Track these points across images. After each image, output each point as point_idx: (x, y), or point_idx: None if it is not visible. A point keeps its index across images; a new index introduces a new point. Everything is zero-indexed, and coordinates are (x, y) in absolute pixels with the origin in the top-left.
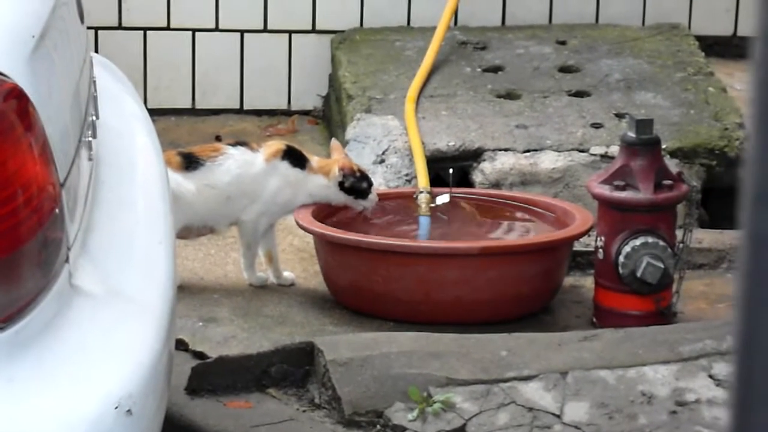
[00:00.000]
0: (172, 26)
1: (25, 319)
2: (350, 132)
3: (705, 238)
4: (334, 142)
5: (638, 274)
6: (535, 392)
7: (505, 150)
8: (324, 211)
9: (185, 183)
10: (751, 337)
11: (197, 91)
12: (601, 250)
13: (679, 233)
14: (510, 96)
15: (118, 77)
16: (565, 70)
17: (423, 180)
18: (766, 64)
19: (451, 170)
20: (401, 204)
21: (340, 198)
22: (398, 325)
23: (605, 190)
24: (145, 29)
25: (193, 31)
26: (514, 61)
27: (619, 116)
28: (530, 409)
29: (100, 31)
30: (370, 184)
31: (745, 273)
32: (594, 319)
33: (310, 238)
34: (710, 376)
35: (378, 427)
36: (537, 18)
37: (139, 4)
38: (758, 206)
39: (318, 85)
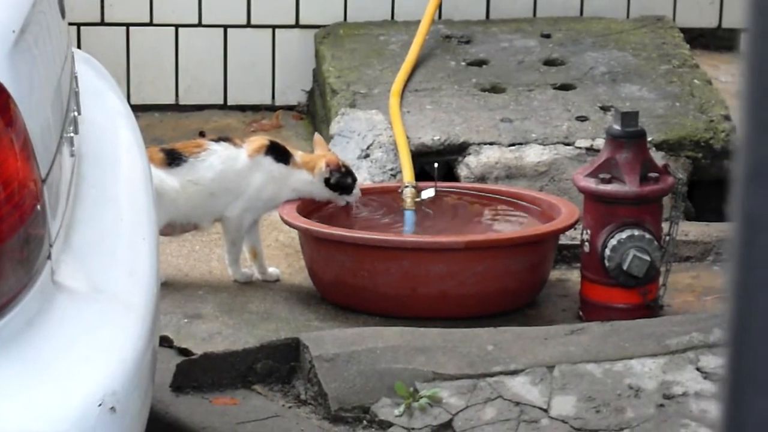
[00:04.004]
0: (155, 22)
1: (7, 316)
2: (335, 127)
3: (691, 230)
4: (317, 136)
5: (624, 267)
6: (521, 386)
7: (491, 144)
8: (309, 207)
9: (168, 179)
10: (743, 321)
11: (181, 87)
12: (587, 244)
13: (665, 226)
14: (495, 90)
15: (100, 73)
16: (549, 63)
17: (408, 174)
18: (759, 35)
19: (436, 164)
20: (386, 199)
21: (324, 193)
22: (384, 320)
23: (591, 183)
24: (127, 25)
25: (176, 26)
26: (499, 54)
27: (605, 109)
28: (517, 404)
29: (82, 27)
30: (355, 180)
31: (738, 253)
32: (580, 313)
33: (295, 233)
34: (697, 369)
35: (364, 422)
36: (521, 11)
37: (122, 0)
38: (751, 185)
39: (302, 80)
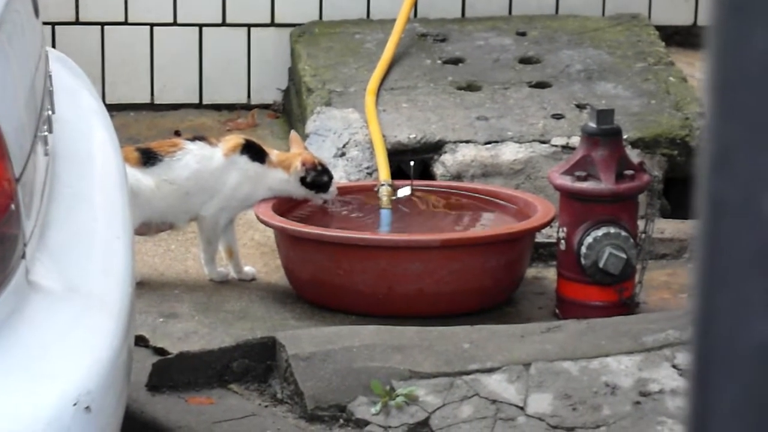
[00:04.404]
0: (129, 21)
1: None
2: (310, 125)
3: (667, 228)
4: (293, 134)
5: (601, 265)
6: (498, 384)
7: (466, 142)
8: (285, 205)
9: (144, 179)
10: (709, 307)
11: (156, 86)
12: (563, 241)
13: (641, 223)
14: (470, 88)
15: (75, 72)
16: (525, 61)
17: (384, 173)
18: (720, 23)
19: (412, 163)
20: (362, 197)
21: (300, 192)
22: (360, 318)
23: (567, 181)
24: (102, 24)
25: (151, 25)
26: (475, 52)
27: (580, 107)
28: (494, 402)
29: (57, 26)
30: (331, 178)
31: (703, 239)
32: (557, 311)
33: (270, 232)
34: (673, 366)
35: (341, 421)
36: (497, 9)
37: None
38: (715, 172)
39: (278, 78)
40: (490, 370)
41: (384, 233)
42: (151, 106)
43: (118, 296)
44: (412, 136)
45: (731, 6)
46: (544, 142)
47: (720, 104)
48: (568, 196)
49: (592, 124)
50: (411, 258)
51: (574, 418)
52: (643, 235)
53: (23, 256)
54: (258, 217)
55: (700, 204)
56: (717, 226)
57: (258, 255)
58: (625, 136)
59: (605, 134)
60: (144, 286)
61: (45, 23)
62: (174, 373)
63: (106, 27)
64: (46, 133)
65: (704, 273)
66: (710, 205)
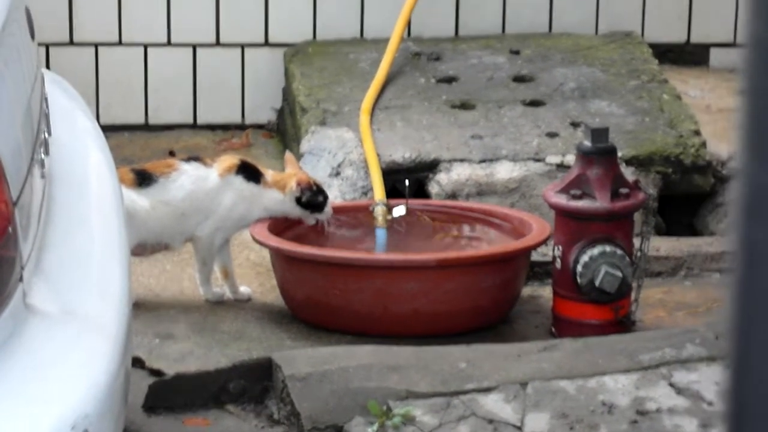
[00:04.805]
0: (123, 42)
1: None
2: (305, 145)
3: (662, 245)
4: (287, 154)
5: (596, 283)
6: (495, 404)
7: (461, 161)
8: (280, 225)
9: (139, 200)
10: (745, 347)
11: (150, 107)
12: (558, 260)
13: (636, 241)
14: (465, 106)
15: (70, 94)
16: (519, 79)
17: (379, 192)
18: (758, 71)
19: (407, 182)
20: (358, 217)
21: (295, 212)
22: (356, 338)
23: (562, 200)
24: (96, 45)
25: (145, 46)
26: (468, 71)
27: (575, 125)
28: (491, 421)
29: (51, 48)
30: (326, 198)
31: (738, 283)
32: (553, 329)
33: (266, 252)
34: (670, 385)
35: None
36: (490, 28)
37: (91, 20)
38: (750, 216)
39: (272, 98)
40: (487, 390)
41: (379, 253)
42: (146, 127)
43: (114, 318)
44: (406, 155)
45: (766, 48)
46: (538, 161)
47: (754, 148)
48: (563, 214)
49: (587, 143)
50: (407, 277)
51: None
52: (639, 254)
53: (21, 279)
54: (253, 237)
55: (735, 248)
56: (751, 270)
57: (253, 275)
58: (619, 154)
59: (600, 153)
60: (140, 307)
61: (39, 44)
62: (170, 394)
63: (100, 48)
64: (42, 156)
65: (740, 316)
66: (745, 250)
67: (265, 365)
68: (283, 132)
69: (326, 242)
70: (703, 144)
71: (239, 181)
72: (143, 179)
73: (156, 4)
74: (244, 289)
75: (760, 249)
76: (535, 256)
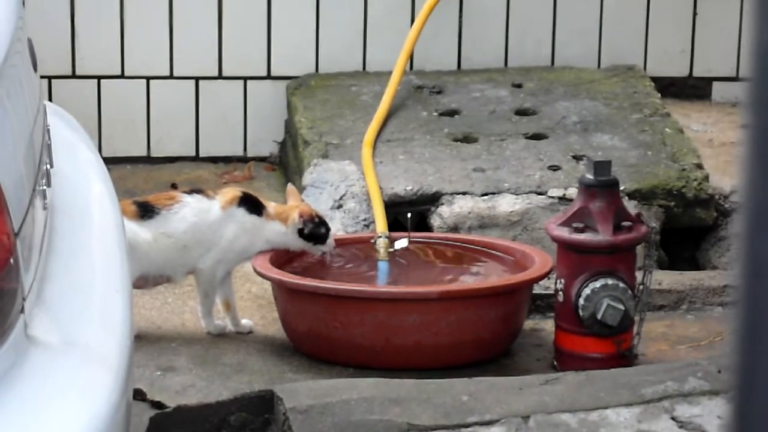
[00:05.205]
0: (126, 74)
1: None
2: (307, 177)
3: (665, 279)
4: (289, 187)
5: (599, 317)
6: None
7: (463, 194)
8: (282, 258)
9: (141, 232)
10: (750, 366)
11: (152, 139)
12: (560, 293)
13: (638, 275)
14: (467, 139)
15: (72, 125)
16: (521, 113)
17: (381, 225)
18: (763, 81)
19: (409, 214)
20: (360, 249)
21: (298, 244)
22: (358, 371)
23: (564, 233)
24: (99, 77)
25: (148, 78)
26: (471, 104)
27: (577, 158)
28: None
29: (53, 80)
30: (328, 230)
31: (743, 298)
32: (555, 363)
33: (267, 284)
34: (672, 418)
35: None
36: (492, 61)
37: (93, 53)
38: (755, 231)
39: (274, 131)
40: (489, 423)
41: (382, 285)
42: (148, 159)
43: (116, 350)
44: (408, 188)
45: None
46: (540, 194)
47: (759, 163)
48: (565, 247)
49: (589, 176)
50: (409, 310)
51: None
52: (641, 287)
53: (22, 311)
54: (255, 270)
55: (741, 263)
56: (757, 285)
57: (255, 307)
58: (622, 188)
59: (602, 186)
60: (141, 340)
61: (42, 77)
62: (172, 427)
63: (102, 80)
64: (44, 187)
65: (745, 332)
66: (750, 265)
67: (267, 398)
68: (286, 165)
69: (328, 275)
70: (706, 177)
71: (241, 214)
72: (145, 211)
73: (158, 36)
74: (245, 322)
75: (764, 262)
76: (537, 289)
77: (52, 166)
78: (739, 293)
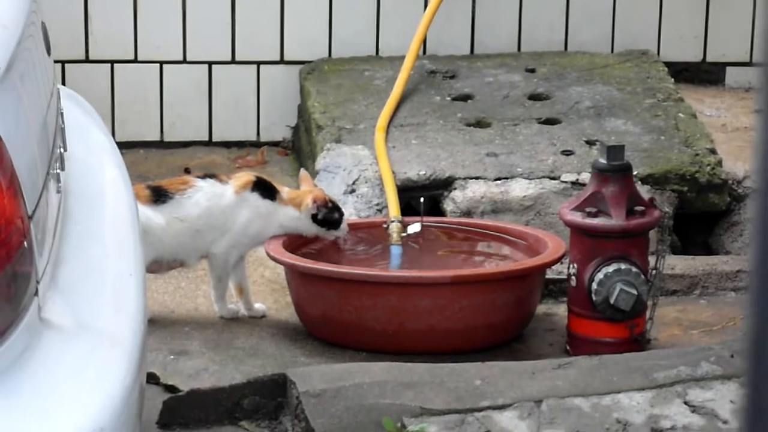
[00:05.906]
0: (139, 59)
1: None
2: (320, 162)
3: (677, 264)
4: (302, 172)
5: (611, 301)
6: (509, 421)
7: (476, 178)
8: (295, 242)
9: (154, 216)
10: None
11: (165, 124)
12: (573, 278)
13: (651, 259)
14: (480, 124)
15: (85, 110)
16: (534, 97)
17: (394, 209)
18: None
19: (422, 199)
20: (372, 234)
21: (311, 229)
22: (371, 355)
23: (577, 217)
24: (112, 62)
25: (161, 63)
26: (484, 89)
27: (590, 143)
28: None
29: (67, 64)
30: (342, 215)
31: (758, 283)
32: (568, 347)
33: (281, 269)
34: (685, 403)
35: None
36: (506, 46)
37: (106, 37)
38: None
39: (287, 115)
40: (502, 407)
41: (394, 270)
42: (161, 144)
43: (130, 333)
44: (421, 172)
45: None
46: (554, 179)
47: None
48: (578, 232)
49: (603, 161)
50: (421, 294)
51: None
52: (654, 272)
53: (36, 294)
54: (268, 254)
55: (754, 248)
56: None
57: (268, 292)
58: (635, 172)
59: (615, 170)
60: (155, 324)
61: (55, 61)
62: (185, 410)
63: (115, 65)
64: (58, 171)
65: (758, 317)
66: (764, 250)
67: (280, 381)
68: (298, 149)
69: (341, 259)
70: (719, 162)
71: (255, 198)
72: (159, 196)
73: (172, 21)
74: (258, 306)
75: None
76: (550, 274)
77: (65, 150)
78: (752, 278)
